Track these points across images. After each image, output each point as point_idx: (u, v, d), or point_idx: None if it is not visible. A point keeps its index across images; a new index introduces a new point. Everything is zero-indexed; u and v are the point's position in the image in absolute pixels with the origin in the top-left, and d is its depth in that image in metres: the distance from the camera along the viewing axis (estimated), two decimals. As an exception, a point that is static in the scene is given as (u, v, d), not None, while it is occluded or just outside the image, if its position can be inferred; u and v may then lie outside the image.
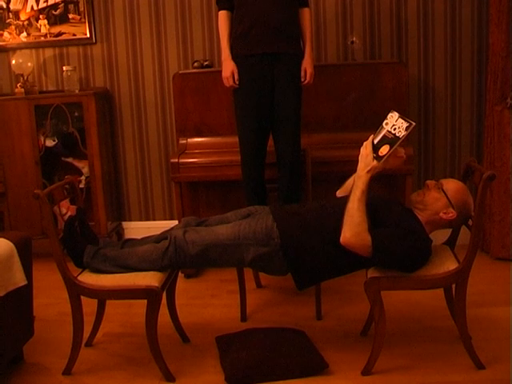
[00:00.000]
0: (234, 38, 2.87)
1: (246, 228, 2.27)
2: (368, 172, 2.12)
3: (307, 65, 2.88)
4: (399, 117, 2.13)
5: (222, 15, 2.90)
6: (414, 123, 2.11)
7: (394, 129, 2.12)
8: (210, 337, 2.55)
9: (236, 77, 2.83)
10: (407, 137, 2.13)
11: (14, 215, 3.68)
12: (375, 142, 2.16)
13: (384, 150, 2.12)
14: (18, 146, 3.60)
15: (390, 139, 2.12)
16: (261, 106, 2.85)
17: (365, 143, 2.22)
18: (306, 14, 2.94)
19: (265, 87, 2.83)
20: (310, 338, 2.47)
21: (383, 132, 2.15)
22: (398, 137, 2.10)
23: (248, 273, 2.88)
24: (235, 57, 2.86)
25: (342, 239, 2.10)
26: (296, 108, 2.88)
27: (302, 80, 2.88)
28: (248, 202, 2.91)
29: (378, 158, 2.12)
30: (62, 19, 3.78)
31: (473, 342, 2.23)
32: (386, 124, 2.15)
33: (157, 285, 2.18)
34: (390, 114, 2.17)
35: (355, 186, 2.13)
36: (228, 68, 2.85)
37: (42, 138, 3.65)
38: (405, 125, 2.10)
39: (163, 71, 3.79)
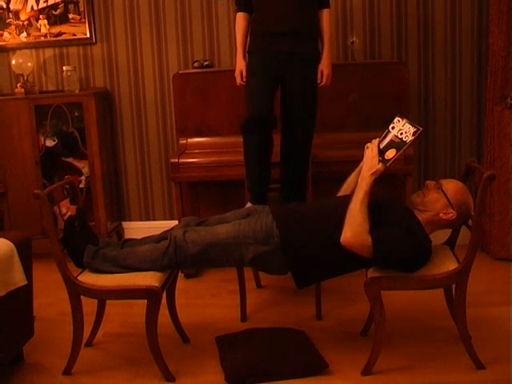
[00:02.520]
0: (252, 36, 2.88)
1: (246, 227, 2.27)
2: (372, 174, 2.15)
3: (324, 67, 2.85)
4: (406, 122, 2.19)
5: (239, 17, 2.90)
6: (421, 128, 2.15)
7: (401, 133, 2.18)
8: (210, 337, 2.55)
9: (244, 74, 2.84)
10: (414, 141, 2.16)
11: (14, 215, 3.68)
12: (381, 146, 2.21)
13: (390, 153, 2.17)
14: (18, 146, 3.60)
15: (396, 143, 2.17)
16: (271, 77, 2.80)
17: (368, 145, 2.23)
18: (326, 16, 2.90)
19: (276, 74, 2.80)
20: (310, 338, 2.48)
21: (390, 136, 2.21)
22: (405, 141, 2.16)
23: (248, 273, 2.88)
24: (250, 53, 2.87)
25: (342, 239, 2.11)
26: (307, 109, 2.85)
27: (319, 82, 2.85)
28: (248, 145, 2.86)
29: (384, 161, 2.17)
30: (62, 19, 3.78)
31: (473, 342, 2.23)
32: (393, 128, 2.21)
33: (157, 285, 2.18)
34: (396, 119, 2.22)
35: (358, 187, 2.15)
36: (238, 67, 2.87)
37: (42, 138, 3.65)
38: (412, 130, 2.16)
39: (163, 71, 3.79)
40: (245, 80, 2.85)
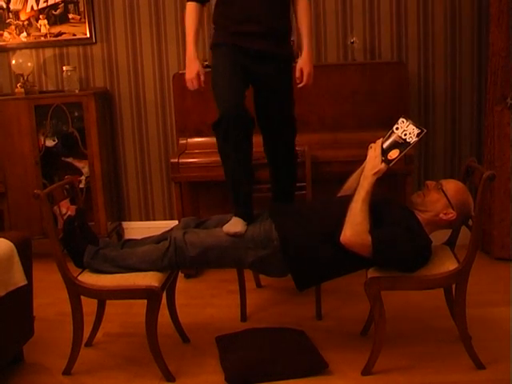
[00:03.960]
0: (219, 31, 2.51)
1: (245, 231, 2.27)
2: (375, 174, 2.15)
3: (304, 64, 2.50)
4: (411, 123, 2.19)
5: (191, 7, 2.49)
6: (425, 130, 2.16)
7: (405, 134, 2.18)
8: (210, 337, 2.55)
9: (202, 78, 2.47)
10: (417, 143, 2.18)
11: (14, 215, 3.68)
12: (384, 146, 2.21)
13: (393, 154, 2.17)
14: (18, 145, 3.60)
15: (400, 144, 2.18)
16: (243, 72, 2.43)
17: (372, 144, 2.23)
18: (303, 6, 2.52)
19: (248, 70, 2.43)
20: (310, 338, 2.48)
21: (393, 137, 2.21)
22: (409, 142, 2.17)
23: (248, 273, 2.87)
24: (217, 45, 2.48)
25: (342, 238, 2.10)
26: (287, 110, 2.55)
27: (298, 82, 2.52)
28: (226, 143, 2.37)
29: (386, 161, 2.17)
30: (62, 19, 3.78)
31: (473, 342, 2.23)
32: (397, 129, 2.22)
33: (157, 285, 2.18)
34: (400, 119, 2.22)
35: (360, 186, 2.15)
36: (193, 69, 2.46)
37: (42, 138, 3.65)
38: (416, 131, 2.17)
39: (163, 71, 3.79)
40: (203, 85, 2.48)
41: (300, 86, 2.53)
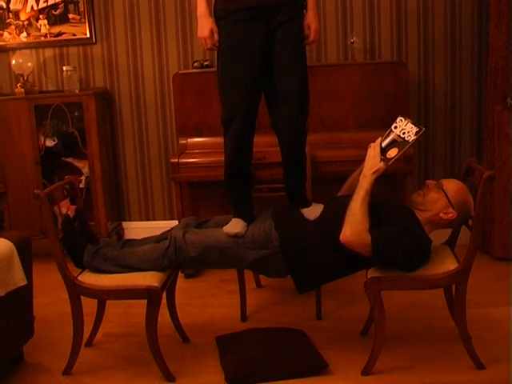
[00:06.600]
0: None
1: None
2: (374, 173, 2.15)
3: (311, 19, 2.36)
4: (409, 121, 2.20)
5: None
6: (423, 128, 2.17)
7: (404, 133, 2.19)
8: (210, 337, 2.55)
9: (216, 37, 2.35)
10: (416, 141, 2.19)
11: (14, 215, 3.68)
12: (383, 144, 2.21)
13: (392, 152, 2.18)
14: (18, 146, 3.60)
15: (398, 143, 2.19)
16: (252, 69, 2.30)
17: (371, 144, 2.23)
18: None
19: (258, 49, 2.29)
20: (310, 338, 2.48)
21: (392, 135, 2.22)
22: (408, 141, 2.17)
23: (248, 273, 2.87)
24: (218, 17, 2.37)
25: (341, 237, 2.10)
26: (303, 77, 2.34)
27: (307, 38, 2.39)
28: (229, 189, 2.47)
29: (385, 160, 2.17)
30: (62, 19, 3.78)
31: (473, 342, 2.23)
32: (395, 128, 2.22)
33: (157, 285, 2.18)
34: (399, 118, 2.23)
35: (359, 186, 2.15)
36: (205, 26, 2.36)
37: (42, 138, 3.65)
38: (414, 130, 2.18)
39: (163, 71, 3.79)
40: (217, 44, 2.34)
41: (309, 42, 2.41)
